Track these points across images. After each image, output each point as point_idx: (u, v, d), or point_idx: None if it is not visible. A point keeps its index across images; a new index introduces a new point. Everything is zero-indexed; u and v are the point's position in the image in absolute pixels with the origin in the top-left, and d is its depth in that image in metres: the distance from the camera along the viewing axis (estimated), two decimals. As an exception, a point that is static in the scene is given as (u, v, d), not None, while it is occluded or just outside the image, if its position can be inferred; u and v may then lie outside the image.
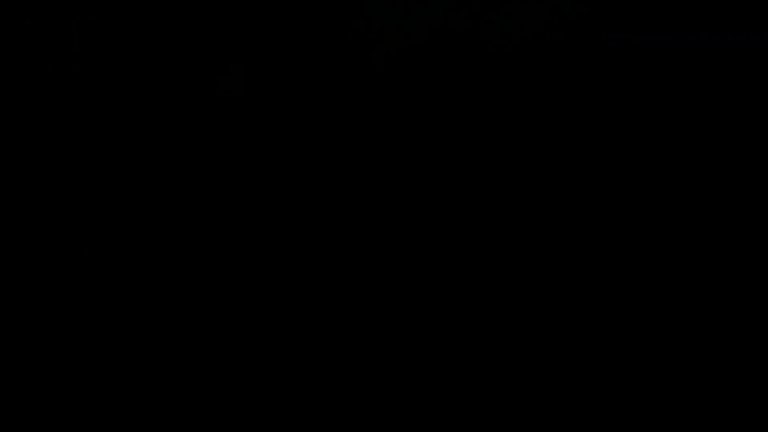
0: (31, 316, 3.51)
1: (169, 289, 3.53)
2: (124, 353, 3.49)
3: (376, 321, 3.52)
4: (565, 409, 3.42)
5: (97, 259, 3.55)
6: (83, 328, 3.50)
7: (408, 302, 3.53)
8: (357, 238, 3.56)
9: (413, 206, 3.58)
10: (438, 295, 3.53)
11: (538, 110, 3.61)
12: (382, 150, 3.61)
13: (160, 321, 3.51)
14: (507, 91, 3.61)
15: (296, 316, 3.52)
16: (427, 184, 3.59)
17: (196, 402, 3.44)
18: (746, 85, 3.58)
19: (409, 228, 3.57)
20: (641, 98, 3.60)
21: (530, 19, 3.63)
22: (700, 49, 3.60)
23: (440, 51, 3.63)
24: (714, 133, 3.58)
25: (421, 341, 3.50)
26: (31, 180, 3.59)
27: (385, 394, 3.45)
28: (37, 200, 3.57)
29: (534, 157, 3.59)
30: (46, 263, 3.54)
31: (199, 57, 3.64)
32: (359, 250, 3.56)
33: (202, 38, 3.65)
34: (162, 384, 3.46)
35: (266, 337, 3.50)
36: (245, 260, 3.55)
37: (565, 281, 3.52)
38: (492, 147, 3.60)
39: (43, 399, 3.45)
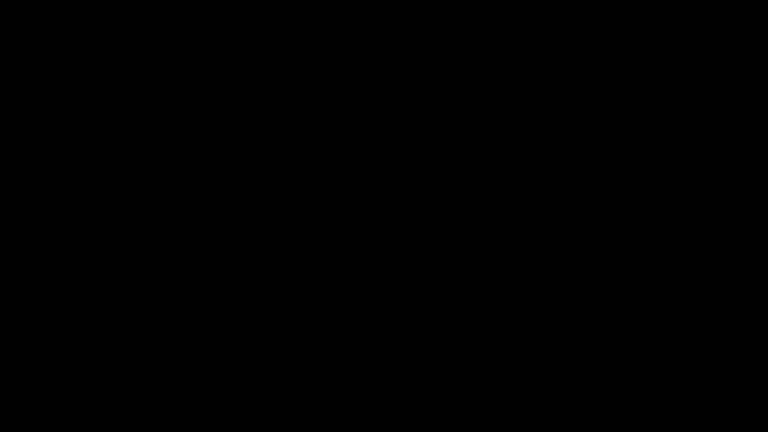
0: (31, 316, 3.51)
1: (168, 288, 3.53)
2: (124, 353, 3.48)
3: (375, 319, 3.52)
4: (565, 409, 3.42)
5: (97, 259, 3.55)
6: (83, 328, 3.50)
7: (405, 301, 3.52)
8: (360, 233, 3.56)
9: (414, 203, 3.58)
10: (436, 295, 3.53)
11: (539, 110, 3.61)
12: (381, 149, 3.61)
13: (160, 321, 3.51)
14: (507, 90, 3.61)
15: (296, 315, 3.52)
16: (426, 183, 3.59)
17: (196, 402, 3.44)
18: (746, 85, 3.58)
19: (412, 224, 3.57)
20: (641, 98, 3.60)
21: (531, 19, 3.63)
22: (700, 49, 3.60)
23: (440, 50, 3.63)
24: (714, 133, 3.58)
25: (420, 341, 3.50)
26: (31, 180, 3.59)
27: (385, 394, 3.45)
28: (37, 200, 3.57)
29: (534, 156, 3.59)
30: (46, 263, 3.54)
31: (200, 57, 3.64)
32: (360, 244, 3.56)
33: (203, 38, 3.65)
34: (162, 384, 3.46)
35: (266, 337, 3.50)
36: (244, 257, 3.55)
37: (565, 280, 3.52)
38: (492, 146, 3.60)
39: (43, 399, 3.45)
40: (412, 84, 3.62)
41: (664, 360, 3.45)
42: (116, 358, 3.48)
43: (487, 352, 3.48)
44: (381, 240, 3.56)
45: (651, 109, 3.60)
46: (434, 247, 3.55)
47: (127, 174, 3.59)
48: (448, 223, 3.57)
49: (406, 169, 3.60)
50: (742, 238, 3.52)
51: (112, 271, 3.54)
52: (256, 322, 3.51)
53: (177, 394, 3.45)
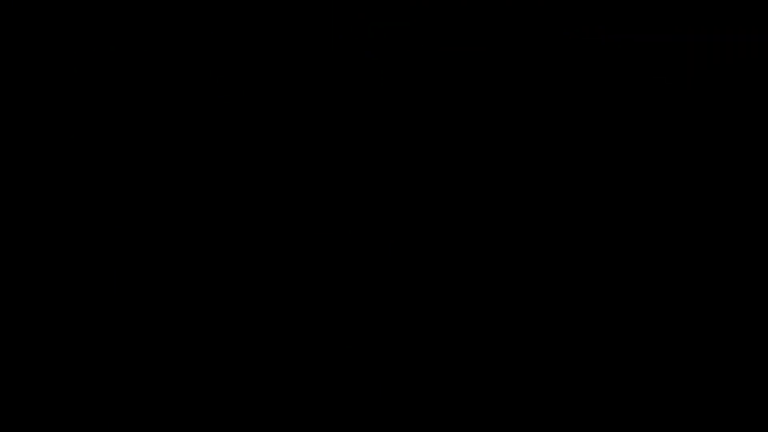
0: (31, 316, 3.51)
1: (168, 288, 3.53)
2: (124, 353, 3.49)
3: (374, 319, 3.52)
4: (565, 409, 3.42)
5: (97, 259, 3.55)
6: (83, 328, 3.50)
7: (405, 300, 3.53)
8: (360, 233, 3.56)
9: (414, 203, 3.58)
10: (436, 294, 3.53)
11: (539, 110, 3.61)
12: (381, 149, 3.61)
13: (160, 321, 3.51)
14: (507, 90, 3.61)
15: (296, 316, 3.52)
16: (426, 183, 3.59)
17: (196, 402, 3.44)
18: (746, 85, 3.58)
19: (412, 224, 3.57)
20: (641, 98, 3.60)
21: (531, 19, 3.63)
22: (700, 49, 3.60)
23: (440, 50, 3.63)
24: (714, 133, 3.59)
25: (420, 341, 3.50)
26: (31, 180, 3.59)
27: (385, 394, 3.45)
28: (37, 200, 3.57)
29: (534, 156, 3.59)
30: (46, 263, 3.54)
31: (200, 57, 3.64)
32: (361, 244, 3.56)
33: (203, 38, 3.65)
34: (162, 384, 3.46)
35: (266, 337, 3.50)
36: (244, 257, 3.55)
37: (565, 280, 3.52)
38: (492, 146, 3.60)
39: (43, 399, 3.45)
40: (412, 84, 3.63)
41: (664, 360, 3.45)
42: (116, 358, 3.48)
43: (487, 352, 3.48)
44: (381, 240, 3.56)
45: (651, 109, 3.60)
46: (434, 247, 3.55)
47: (128, 174, 3.60)
48: (448, 223, 3.57)
49: (406, 169, 3.60)
50: (742, 237, 3.52)
51: (112, 271, 3.54)
52: (256, 322, 3.51)
53: (177, 394, 3.45)
